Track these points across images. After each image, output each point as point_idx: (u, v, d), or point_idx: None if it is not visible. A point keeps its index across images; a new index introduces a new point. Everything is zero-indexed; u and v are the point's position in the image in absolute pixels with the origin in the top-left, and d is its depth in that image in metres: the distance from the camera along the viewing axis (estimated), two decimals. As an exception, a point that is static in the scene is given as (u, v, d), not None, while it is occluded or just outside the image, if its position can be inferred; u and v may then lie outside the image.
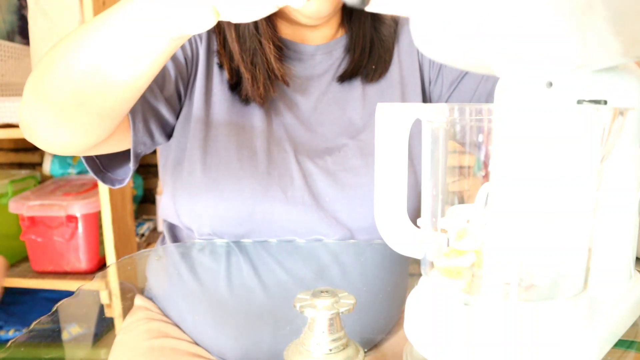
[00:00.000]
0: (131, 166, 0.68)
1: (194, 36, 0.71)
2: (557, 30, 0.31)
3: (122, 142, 0.65)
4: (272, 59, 0.69)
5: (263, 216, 0.69)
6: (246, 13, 0.43)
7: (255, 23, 0.69)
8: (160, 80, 0.67)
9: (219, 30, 0.72)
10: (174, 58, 0.69)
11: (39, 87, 0.52)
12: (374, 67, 0.76)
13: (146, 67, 0.49)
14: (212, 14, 0.42)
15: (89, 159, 0.68)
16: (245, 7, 0.42)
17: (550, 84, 0.41)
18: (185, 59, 0.71)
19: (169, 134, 0.73)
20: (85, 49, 0.48)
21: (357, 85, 0.76)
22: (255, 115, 0.72)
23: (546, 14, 0.30)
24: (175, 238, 0.78)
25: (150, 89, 0.65)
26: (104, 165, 0.69)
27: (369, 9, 0.38)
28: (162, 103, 0.68)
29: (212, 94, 0.72)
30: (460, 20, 0.34)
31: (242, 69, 0.69)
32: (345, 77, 0.76)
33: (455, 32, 0.35)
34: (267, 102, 0.72)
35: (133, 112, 0.63)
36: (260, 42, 0.69)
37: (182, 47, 0.70)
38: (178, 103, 0.72)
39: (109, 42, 0.47)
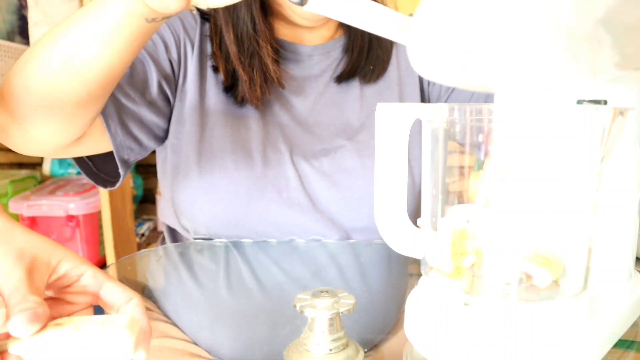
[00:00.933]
0: (120, 171, 0.68)
1: (183, 39, 0.72)
2: (564, 57, 0.31)
3: (99, 144, 0.65)
4: (270, 62, 0.69)
5: (259, 218, 0.69)
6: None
7: (254, 24, 0.69)
8: (140, 84, 0.67)
9: (216, 31, 0.72)
10: (156, 61, 0.69)
11: (11, 87, 0.53)
12: (371, 67, 0.76)
13: (120, 50, 0.50)
14: None
15: (81, 161, 0.68)
16: None
17: (550, 84, 0.41)
18: (171, 61, 0.70)
19: (160, 137, 0.73)
20: (60, 38, 0.50)
21: (354, 86, 0.76)
22: (251, 117, 0.72)
23: (553, 41, 0.30)
24: (175, 240, 0.78)
25: (125, 94, 0.65)
26: (97, 166, 0.69)
27: (307, 8, 0.39)
28: (144, 107, 0.68)
29: (206, 96, 0.72)
30: (463, 49, 0.34)
31: (240, 71, 0.69)
32: (342, 78, 0.75)
33: (456, 61, 0.35)
34: (262, 104, 0.72)
35: (106, 115, 0.63)
36: (258, 44, 0.69)
37: (167, 50, 0.70)
38: (166, 105, 0.71)
39: (82, 28, 0.49)
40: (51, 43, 0.51)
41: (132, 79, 0.66)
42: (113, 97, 0.63)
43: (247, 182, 0.68)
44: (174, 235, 0.79)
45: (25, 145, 0.59)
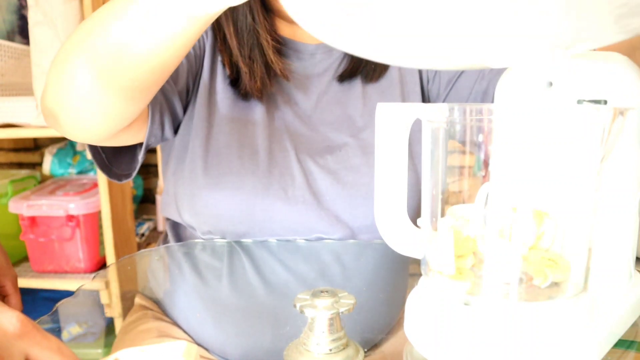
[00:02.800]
0: (140, 158, 0.68)
1: (202, 35, 0.72)
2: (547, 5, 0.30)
3: (139, 134, 0.65)
4: (271, 53, 0.70)
5: (264, 215, 0.69)
6: None
7: (253, 17, 0.69)
8: (174, 74, 0.67)
9: (219, 26, 0.72)
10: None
11: (64, 71, 0.51)
12: (373, 66, 0.76)
13: (169, 47, 0.47)
14: None
15: (95, 153, 0.68)
16: None
17: (551, 84, 0.41)
18: (195, 55, 0.71)
19: (176, 128, 0.73)
20: (111, 28, 0.47)
21: (357, 84, 0.76)
22: (257, 113, 0.72)
23: None
24: (178, 236, 0.78)
25: (167, 81, 0.66)
26: (109, 160, 0.69)
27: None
28: (176, 96, 0.69)
29: (215, 91, 0.72)
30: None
31: (240, 64, 0.70)
32: (345, 77, 0.76)
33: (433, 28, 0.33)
34: (265, 97, 0.73)
35: (153, 102, 0.63)
36: (258, 37, 0.69)
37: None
38: (186, 98, 0.72)
39: (133, 21, 0.46)
40: (104, 34, 0.48)
41: None
42: None
43: (252, 178, 0.68)
44: (177, 231, 0.79)
45: (75, 131, 0.57)
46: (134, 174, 0.70)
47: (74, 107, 0.53)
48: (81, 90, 0.51)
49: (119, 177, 0.70)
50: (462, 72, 0.75)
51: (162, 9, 0.43)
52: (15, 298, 0.67)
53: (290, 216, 0.69)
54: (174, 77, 0.68)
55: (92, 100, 0.51)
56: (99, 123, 0.55)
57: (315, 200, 0.70)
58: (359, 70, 0.76)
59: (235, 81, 0.72)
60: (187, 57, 0.69)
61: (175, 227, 0.79)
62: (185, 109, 0.73)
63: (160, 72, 0.50)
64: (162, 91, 0.66)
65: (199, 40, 0.71)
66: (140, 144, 0.68)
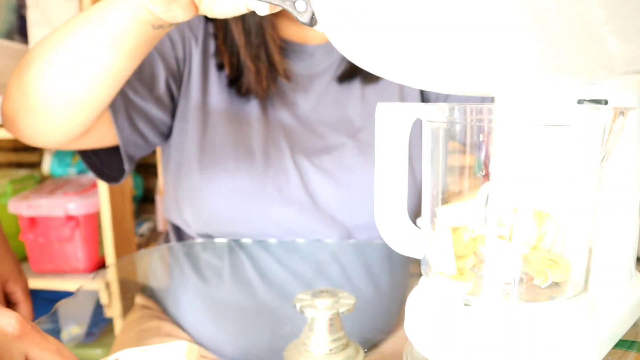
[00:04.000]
0: (125, 167, 0.68)
1: (187, 37, 0.72)
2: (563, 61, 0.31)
3: (105, 138, 0.66)
4: (275, 53, 0.70)
5: (260, 215, 0.69)
6: (223, 7, 0.46)
7: (260, 18, 0.70)
8: (148, 80, 0.68)
9: (220, 25, 0.72)
10: (164, 58, 0.70)
11: (17, 84, 0.55)
12: None
13: (127, 55, 0.52)
14: (188, 5, 0.45)
15: (86, 156, 0.69)
16: (222, 2, 0.45)
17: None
18: (177, 58, 0.71)
19: (164, 133, 0.74)
20: (66, 40, 0.51)
21: (356, 85, 0.76)
22: (253, 114, 0.72)
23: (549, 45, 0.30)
24: (180, 238, 0.78)
25: (134, 89, 0.66)
26: (101, 162, 0.70)
27: (317, 28, 0.40)
28: (152, 103, 0.69)
29: (208, 94, 0.72)
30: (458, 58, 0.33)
31: (248, 62, 0.70)
32: (344, 77, 0.76)
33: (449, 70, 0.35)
34: (266, 98, 0.73)
35: (114, 110, 0.64)
36: (265, 36, 0.70)
37: (174, 47, 0.71)
38: (171, 102, 0.72)
39: (88, 33, 0.50)
40: (57, 45, 0.52)
41: (140, 74, 0.67)
42: (122, 92, 0.65)
43: (247, 179, 0.69)
44: (179, 233, 0.79)
45: (32, 137, 0.60)
46: (123, 179, 0.71)
47: (30, 114, 0.57)
48: (36, 99, 0.55)
49: (109, 179, 0.71)
50: None
51: (111, 15, 0.49)
52: (25, 306, 0.66)
53: (286, 216, 0.69)
54: (148, 84, 0.68)
55: (45, 108, 0.55)
56: (54, 130, 0.58)
57: (311, 200, 0.70)
58: (359, 70, 0.76)
59: (233, 81, 0.72)
60: (166, 63, 0.70)
61: (177, 230, 0.79)
62: (173, 113, 0.73)
63: (122, 65, 0.53)
64: (130, 100, 0.66)
65: (182, 46, 0.72)
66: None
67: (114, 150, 0.69)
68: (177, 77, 0.72)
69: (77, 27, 0.51)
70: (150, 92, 0.68)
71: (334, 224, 0.70)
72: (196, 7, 0.46)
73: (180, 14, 0.46)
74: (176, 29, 0.72)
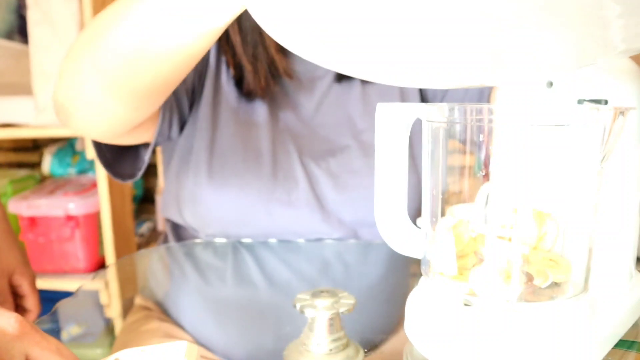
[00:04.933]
0: (146, 158, 0.68)
1: None
2: (553, 35, 0.31)
3: (146, 134, 0.65)
4: (273, 51, 0.70)
5: (267, 218, 0.69)
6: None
7: None
8: None
9: None
10: None
11: (73, 75, 0.51)
12: None
13: (176, 61, 0.46)
14: (238, 2, 0.41)
15: (99, 153, 0.68)
16: None
17: (551, 84, 0.41)
18: None
19: (180, 128, 0.73)
20: (117, 39, 0.46)
21: (356, 85, 0.76)
22: (260, 115, 0.72)
23: (541, 18, 0.30)
24: (178, 237, 0.78)
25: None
26: (115, 159, 0.69)
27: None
28: (185, 95, 0.69)
29: (220, 92, 0.72)
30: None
31: (244, 62, 0.70)
32: (344, 75, 0.75)
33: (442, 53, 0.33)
34: (268, 99, 0.73)
35: (165, 102, 0.64)
36: (262, 35, 0.69)
37: None
38: (192, 98, 0.72)
39: (140, 33, 0.45)
40: (111, 44, 0.47)
41: None
42: None
43: (257, 182, 0.68)
44: (178, 232, 0.79)
45: (85, 130, 0.58)
46: (140, 174, 0.69)
47: (82, 109, 0.53)
48: (88, 95, 0.51)
49: (123, 176, 0.70)
50: None
51: (169, 26, 0.43)
52: (32, 299, 0.66)
53: (294, 219, 0.69)
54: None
55: (98, 105, 0.52)
56: (105, 126, 0.56)
57: (318, 204, 0.70)
58: None
59: (239, 81, 0.72)
60: None
61: (176, 228, 0.78)
62: (190, 108, 0.73)
63: (165, 84, 0.50)
64: (174, 91, 0.66)
65: None
66: (144, 144, 0.68)
67: (124, 148, 0.69)
68: (199, 72, 0.71)
69: (119, 40, 0.46)
70: (184, 84, 0.68)
71: (341, 227, 0.70)
72: None
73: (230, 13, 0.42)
74: None
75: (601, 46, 0.32)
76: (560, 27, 0.29)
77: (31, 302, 0.66)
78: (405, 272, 0.65)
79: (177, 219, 0.74)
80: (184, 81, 0.68)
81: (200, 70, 0.71)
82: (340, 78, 0.76)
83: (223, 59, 0.73)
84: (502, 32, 0.29)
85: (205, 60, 0.72)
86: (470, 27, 0.29)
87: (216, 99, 0.72)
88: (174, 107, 0.67)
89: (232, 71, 0.72)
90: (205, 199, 0.69)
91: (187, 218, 0.71)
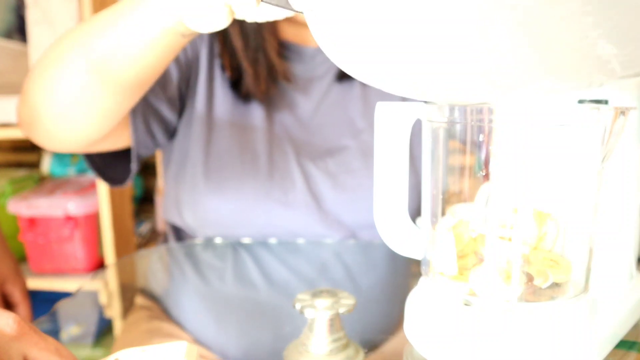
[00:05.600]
0: (132, 167, 0.68)
1: (196, 39, 0.72)
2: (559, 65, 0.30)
3: (119, 140, 0.65)
4: (274, 56, 0.70)
5: (265, 219, 0.69)
6: (260, 13, 0.43)
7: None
8: (161, 80, 0.68)
9: None
10: (177, 59, 0.69)
11: (42, 83, 0.52)
12: None
13: (154, 64, 0.49)
14: (227, 13, 0.42)
15: (89, 157, 0.68)
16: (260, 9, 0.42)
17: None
18: (187, 59, 0.71)
19: (171, 135, 0.73)
20: (93, 44, 0.49)
21: (356, 85, 0.76)
22: (257, 117, 0.72)
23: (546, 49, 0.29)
24: (179, 238, 0.78)
25: (152, 88, 0.66)
26: (105, 164, 0.69)
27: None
28: (164, 103, 0.68)
29: (214, 96, 0.72)
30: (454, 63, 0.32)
31: (245, 65, 0.70)
32: (344, 74, 0.75)
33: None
34: (266, 101, 0.73)
35: (133, 110, 0.64)
36: (263, 39, 0.70)
37: (184, 48, 0.70)
38: (179, 104, 0.72)
39: (113, 41, 0.48)
40: (78, 49, 0.50)
41: None
42: None
43: (254, 183, 0.68)
44: (178, 234, 0.79)
45: (51, 142, 0.58)
46: (128, 180, 0.70)
47: (52, 118, 0.54)
48: (60, 103, 0.52)
49: (113, 181, 0.71)
50: None
51: (137, 23, 0.46)
52: (24, 308, 0.66)
53: (292, 220, 0.69)
54: (162, 84, 0.68)
55: (70, 112, 0.53)
56: (77, 133, 0.56)
57: (316, 204, 0.70)
58: None
59: (235, 84, 0.72)
60: (178, 64, 0.69)
61: (176, 228, 0.79)
62: (180, 114, 0.73)
63: (146, 75, 0.51)
64: (147, 100, 0.66)
65: (192, 46, 0.71)
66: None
67: (117, 153, 0.69)
68: (186, 78, 0.72)
69: (97, 36, 0.49)
70: (163, 92, 0.68)
71: (339, 228, 0.70)
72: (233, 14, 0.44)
73: (220, 26, 0.44)
74: None
75: (603, 75, 0.32)
76: (558, 74, 0.30)
77: (23, 310, 0.66)
78: (405, 272, 0.65)
79: (178, 222, 0.74)
80: (164, 89, 0.68)
81: (186, 76, 0.71)
82: (341, 78, 0.75)
83: (216, 62, 0.73)
84: (499, 68, 0.30)
85: (191, 67, 0.72)
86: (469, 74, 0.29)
87: (210, 103, 0.72)
88: (149, 116, 0.67)
89: (228, 74, 0.72)
90: (203, 201, 0.69)
91: (188, 220, 0.71)
